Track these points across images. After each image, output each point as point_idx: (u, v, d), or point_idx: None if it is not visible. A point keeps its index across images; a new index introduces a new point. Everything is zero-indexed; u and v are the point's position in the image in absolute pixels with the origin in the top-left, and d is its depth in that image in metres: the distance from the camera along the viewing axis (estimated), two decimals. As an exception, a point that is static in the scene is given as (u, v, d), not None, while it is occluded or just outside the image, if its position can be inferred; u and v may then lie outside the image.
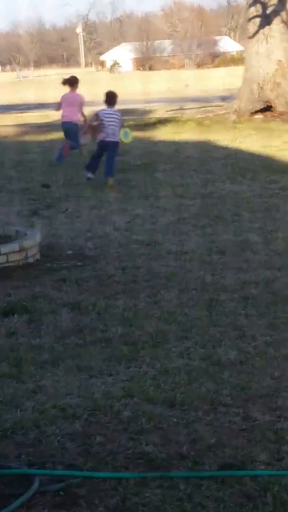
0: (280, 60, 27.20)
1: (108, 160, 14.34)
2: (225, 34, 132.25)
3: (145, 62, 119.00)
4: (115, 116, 14.42)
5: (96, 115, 14.44)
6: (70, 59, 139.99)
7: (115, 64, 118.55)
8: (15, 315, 6.85)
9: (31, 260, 8.64)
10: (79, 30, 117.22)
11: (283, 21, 27.06)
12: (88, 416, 4.90)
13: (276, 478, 4.09)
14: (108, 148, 14.29)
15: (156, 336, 6.26)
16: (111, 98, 14.65)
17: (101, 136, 14.31)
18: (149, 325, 6.52)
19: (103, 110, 14.43)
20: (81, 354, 5.95)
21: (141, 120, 26.64)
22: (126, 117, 29.18)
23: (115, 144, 14.39)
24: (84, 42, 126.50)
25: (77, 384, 5.40)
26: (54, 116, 20.68)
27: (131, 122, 27.04)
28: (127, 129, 16.00)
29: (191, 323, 6.56)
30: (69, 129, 17.19)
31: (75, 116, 17.07)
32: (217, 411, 4.93)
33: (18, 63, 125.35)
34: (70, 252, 9.16)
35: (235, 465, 4.27)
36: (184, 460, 4.35)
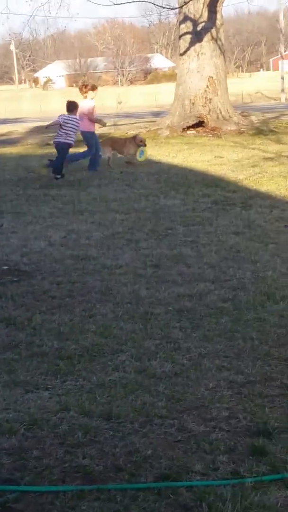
0: (211, 77, 27.58)
1: (56, 159, 16.57)
2: (157, 51, 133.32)
3: (78, 78, 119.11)
4: (72, 121, 16.52)
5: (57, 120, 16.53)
6: (3, 76, 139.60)
7: (48, 81, 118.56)
8: None
9: None
10: (12, 47, 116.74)
11: (213, 38, 27.46)
12: (25, 430, 4.89)
13: (212, 488, 4.13)
14: (59, 149, 16.66)
15: (91, 349, 6.28)
16: (69, 106, 16.83)
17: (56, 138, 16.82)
18: (85, 339, 6.53)
19: (62, 115, 16.62)
20: (17, 369, 5.93)
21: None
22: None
23: (68, 145, 16.56)
24: (18, 59, 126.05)
25: (14, 399, 5.38)
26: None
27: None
28: (143, 149, 17.04)
29: (126, 336, 6.59)
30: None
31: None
32: (153, 423, 4.96)
33: None
34: (5, 267, 9.12)
35: (171, 476, 4.30)
36: (121, 472, 4.37)
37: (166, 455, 4.53)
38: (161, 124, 28.99)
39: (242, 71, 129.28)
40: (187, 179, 15.96)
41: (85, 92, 18.34)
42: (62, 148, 16.64)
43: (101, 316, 7.18)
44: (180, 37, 28.47)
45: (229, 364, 5.89)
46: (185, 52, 27.85)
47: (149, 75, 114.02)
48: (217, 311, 7.17)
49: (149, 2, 30.97)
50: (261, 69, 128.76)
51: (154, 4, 31.65)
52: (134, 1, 25.94)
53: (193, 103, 27.67)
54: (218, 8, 27.67)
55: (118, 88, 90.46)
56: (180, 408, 5.16)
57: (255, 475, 4.25)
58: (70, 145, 16.69)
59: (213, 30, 27.47)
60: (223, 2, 27.98)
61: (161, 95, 52.72)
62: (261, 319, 6.87)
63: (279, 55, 60.76)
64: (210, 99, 27.69)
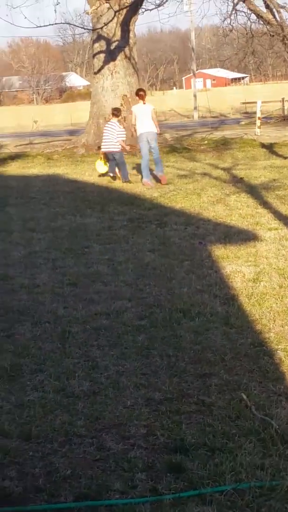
0: (125, 95, 27.77)
1: None
2: (72, 70, 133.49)
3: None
4: None
5: None
6: None
7: None
8: None
9: None
10: None
11: (126, 57, 27.68)
12: None
13: (131, 506, 4.18)
14: None
15: (10, 370, 6.27)
16: None
17: None
18: (3, 359, 6.52)
19: None
20: None
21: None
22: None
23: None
24: None
25: None
26: None
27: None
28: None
29: (45, 356, 6.60)
30: None
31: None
32: (72, 442, 4.99)
33: None
34: None
35: (91, 495, 4.34)
36: (41, 493, 4.38)
37: (86, 474, 4.56)
38: (77, 142, 29.05)
39: (156, 89, 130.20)
40: (103, 197, 16.03)
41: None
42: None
43: (19, 336, 7.17)
44: (94, 55, 28.61)
45: (146, 382, 5.95)
46: (99, 70, 28.00)
47: (64, 94, 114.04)
48: (134, 329, 7.23)
49: (69, 24, 31.04)
50: (174, 87, 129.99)
51: (74, 25, 31.70)
52: (56, 23, 25.85)
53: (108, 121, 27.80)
54: (131, 27, 27.93)
55: (34, 106, 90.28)
56: (99, 427, 5.20)
57: (173, 491, 4.32)
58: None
59: (127, 49, 27.70)
60: (136, 21, 28.25)
61: (76, 113, 52.77)
62: (177, 336, 6.96)
63: (192, 73, 61.50)
64: (125, 117, 27.85)
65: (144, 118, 17.99)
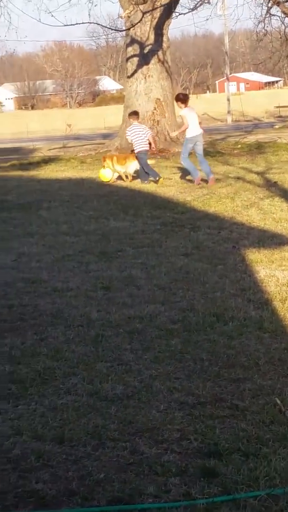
0: (158, 99, 27.81)
1: None
2: (105, 74, 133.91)
3: (27, 101, 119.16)
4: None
5: None
6: None
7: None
8: None
9: None
10: None
11: (160, 60, 27.71)
12: (-23, 456, 4.88)
13: (164, 510, 4.17)
14: None
15: (43, 373, 6.29)
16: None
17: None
18: (37, 362, 6.54)
19: None
20: None
21: (25, 159, 26.63)
22: (10, 156, 29.26)
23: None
24: None
25: None
26: None
27: (15, 161, 27.10)
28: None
29: (78, 359, 6.61)
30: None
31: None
32: (105, 446, 4.98)
33: None
34: None
35: (124, 499, 4.33)
36: (74, 496, 4.38)
37: (119, 478, 4.56)
38: (110, 146, 29.14)
39: (189, 93, 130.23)
40: (136, 200, 16.05)
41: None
42: None
43: (53, 339, 7.19)
44: (127, 59, 28.70)
45: (180, 386, 5.94)
46: (132, 74, 28.07)
47: (97, 98, 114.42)
48: (167, 333, 7.22)
49: (97, 24, 31.17)
50: (208, 91, 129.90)
51: (102, 26, 31.77)
52: (83, 23, 26.06)
53: (142, 125, 27.84)
54: (164, 31, 27.97)
55: (67, 110, 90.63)
56: (132, 431, 5.19)
57: (206, 496, 4.30)
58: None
59: (160, 53, 27.74)
60: (169, 24, 28.30)
61: (109, 117, 52.93)
62: (210, 340, 6.94)
63: (225, 77, 61.43)
64: (158, 121, 27.93)
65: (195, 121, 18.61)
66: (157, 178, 18.77)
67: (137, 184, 18.88)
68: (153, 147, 19.58)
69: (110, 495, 4.36)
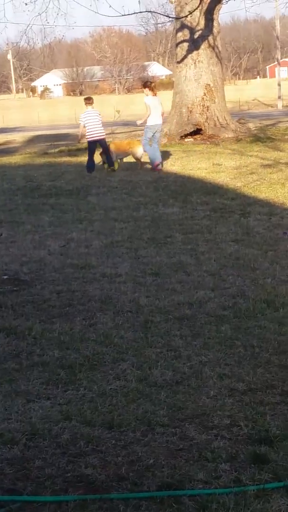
0: (208, 84, 27.61)
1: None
2: (154, 59, 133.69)
3: (76, 87, 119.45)
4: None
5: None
6: (1, 86, 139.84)
7: (45, 90, 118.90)
8: None
9: None
10: (9, 57, 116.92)
11: (210, 46, 27.49)
12: (27, 440, 4.89)
13: (214, 496, 4.13)
14: None
15: (92, 358, 6.28)
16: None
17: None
18: (86, 348, 6.54)
19: None
20: (19, 378, 5.94)
21: (74, 145, 26.68)
22: (59, 142, 29.33)
23: None
24: (15, 68, 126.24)
25: (15, 409, 5.38)
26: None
27: (63, 148, 27.18)
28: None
29: (127, 345, 6.59)
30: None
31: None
32: (155, 432, 4.96)
33: None
34: (5, 277, 9.13)
35: (174, 484, 4.30)
36: (123, 481, 4.37)
37: (168, 463, 4.53)
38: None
39: (239, 78, 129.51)
40: (185, 187, 15.99)
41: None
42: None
43: (102, 324, 7.19)
44: (177, 45, 28.51)
45: (230, 372, 5.89)
46: (182, 60, 27.89)
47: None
48: (217, 319, 7.17)
49: (152, 12, 31.08)
50: (258, 76, 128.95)
51: (157, 13, 31.58)
52: (141, 12, 26.20)
53: (191, 111, 27.72)
54: (215, 16, 27.73)
55: (115, 96, 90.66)
56: (182, 417, 5.16)
57: (257, 483, 4.26)
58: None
59: (210, 38, 27.51)
60: (219, 9, 28.04)
61: (158, 103, 52.82)
62: (261, 327, 6.88)
63: (276, 62, 60.85)
64: (208, 107, 27.73)
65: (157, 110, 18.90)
66: (106, 167, 19.15)
67: (187, 170, 18.80)
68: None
69: (159, 481, 4.34)
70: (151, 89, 19.14)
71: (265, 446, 4.66)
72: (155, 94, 19.10)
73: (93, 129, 19.21)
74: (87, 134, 19.24)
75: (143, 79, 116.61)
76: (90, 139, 19.30)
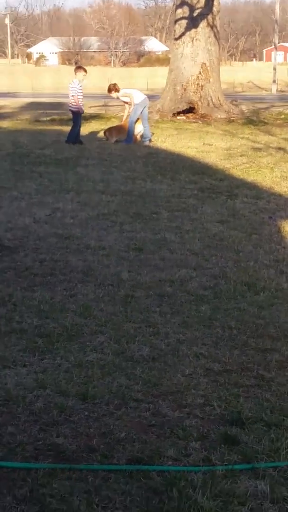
0: (204, 63, 27.51)
1: None
2: (152, 34, 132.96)
3: (71, 57, 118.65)
4: None
5: None
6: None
7: (41, 57, 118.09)
8: None
9: None
10: (7, 21, 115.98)
11: (209, 25, 27.35)
12: (0, 406, 4.90)
13: (183, 473, 4.16)
14: None
15: (71, 329, 6.29)
16: None
17: None
18: (65, 318, 6.55)
19: None
20: (-5, 344, 5.94)
21: (66, 115, 26.54)
22: (50, 111, 29.18)
23: None
24: (12, 34, 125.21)
25: (-10, 374, 5.39)
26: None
27: (55, 117, 27.04)
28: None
29: (106, 318, 6.60)
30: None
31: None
32: (128, 406, 4.98)
33: None
34: (-13, 242, 9.10)
35: (143, 459, 4.33)
36: (94, 453, 4.39)
37: (140, 438, 4.56)
38: (152, 107, 28.89)
39: (235, 59, 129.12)
40: (174, 164, 15.96)
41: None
42: None
43: (82, 296, 7.19)
44: (175, 21, 28.35)
45: (206, 352, 5.92)
46: (180, 37, 27.75)
47: (142, 58, 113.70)
48: (198, 298, 7.19)
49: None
50: (254, 59, 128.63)
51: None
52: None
53: (185, 89, 27.62)
54: (216, -5, 27.58)
55: (110, 68, 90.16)
56: (156, 393, 5.19)
57: (226, 463, 4.29)
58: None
59: (209, 17, 27.37)
60: (221, -11, 27.89)
61: (153, 78, 52.60)
62: (240, 309, 6.91)
63: (273, 46, 60.66)
64: (202, 86, 27.64)
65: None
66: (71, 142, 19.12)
67: (177, 148, 18.76)
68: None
69: (129, 455, 4.37)
70: (116, 89, 19.77)
71: (236, 427, 4.69)
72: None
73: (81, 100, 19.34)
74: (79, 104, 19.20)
75: (139, 53, 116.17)
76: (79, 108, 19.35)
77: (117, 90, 19.78)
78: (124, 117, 20.22)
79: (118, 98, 20.21)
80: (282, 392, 5.21)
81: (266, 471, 4.21)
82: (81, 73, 19.40)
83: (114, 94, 19.89)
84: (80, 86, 19.08)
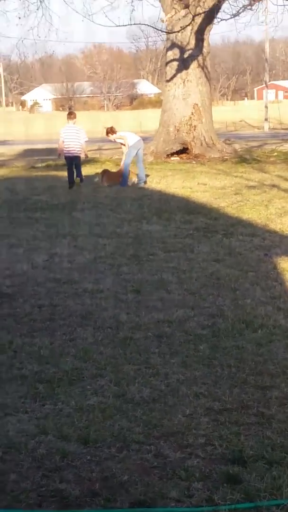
0: (196, 104, 27.79)
1: None
2: (144, 77, 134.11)
3: (65, 102, 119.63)
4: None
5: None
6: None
7: (35, 104, 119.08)
8: None
9: None
10: (0, 70, 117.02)
11: (199, 66, 27.69)
12: (3, 453, 4.91)
13: (186, 514, 4.17)
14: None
15: (71, 373, 6.32)
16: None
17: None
18: (65, 362, 6.57)
19: None
20: (-4, 392, 5.96)
21: (61, 160, 26.72)
22: (46, 157, 29.36)
23: None
24: (5, 82, 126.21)
25: (-9, 421, 5.40)
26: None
27: (50, 162, 27.22)
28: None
29: (105, 361, 6.63)
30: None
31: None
32: (130, 448, 5.00)
33: None
34: (-14, 290, 9.15)
35: (147, 502, 4.33)
36: (97, 497, 4.40)
37: (142, 481, 4.57)
38: (146, 149, 29.11)
39: (227, 99, 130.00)
40: (169, 205, 16.05)
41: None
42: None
43: (82, 340, 7.22)
44: (167, 63, 28.69)
45: (206, 391, 5.94)
46: (171, 78, 28.07)
47: (135, 101, 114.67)
48: (196, 338, 7.22)
49: (144, 25, 31.44)
50: (246, 98, 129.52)
51: (150, 26, 31.70)
52: (134, 24, 26.92)
53: (178, 130, 27.87)
54: (205, 36, 27.95)
55: (104, 113, 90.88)
56: (157, 434, 5.20)
57: (229, 503, 4.29)
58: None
59: (200, 58, 27.71)
60: (210, 30, 28.26)
61: (146, 121, 52.97)
62: (239, 347, 6.93)
63: (264, 85, 61.22)
64: (195, 126, 27.90)
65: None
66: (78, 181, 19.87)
67: (172, 189, 18.88)
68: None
69: (133, 498, 4.37)
70: (113, 132, 20.15)
71: (238, 466, 4.70)
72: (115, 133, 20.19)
73: (68, 145, 19.70)
74: (64, 149, 19.61)
75: (132, 96, 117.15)
76: (65, 154, 19.82)
77: (114, 132, 20.13)
78: (122, 162, 20.43)
79: (114, 140, 20.58)
80: (283, 429, 5.22)
81: (269, 509, 4.21)
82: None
83: (111, 137, 20.22)
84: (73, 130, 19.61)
